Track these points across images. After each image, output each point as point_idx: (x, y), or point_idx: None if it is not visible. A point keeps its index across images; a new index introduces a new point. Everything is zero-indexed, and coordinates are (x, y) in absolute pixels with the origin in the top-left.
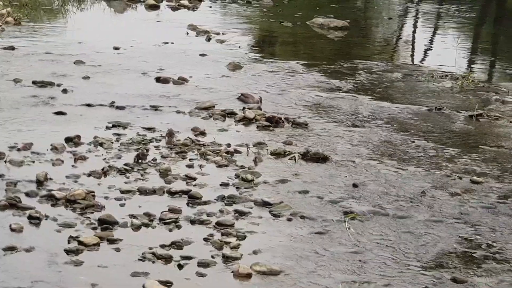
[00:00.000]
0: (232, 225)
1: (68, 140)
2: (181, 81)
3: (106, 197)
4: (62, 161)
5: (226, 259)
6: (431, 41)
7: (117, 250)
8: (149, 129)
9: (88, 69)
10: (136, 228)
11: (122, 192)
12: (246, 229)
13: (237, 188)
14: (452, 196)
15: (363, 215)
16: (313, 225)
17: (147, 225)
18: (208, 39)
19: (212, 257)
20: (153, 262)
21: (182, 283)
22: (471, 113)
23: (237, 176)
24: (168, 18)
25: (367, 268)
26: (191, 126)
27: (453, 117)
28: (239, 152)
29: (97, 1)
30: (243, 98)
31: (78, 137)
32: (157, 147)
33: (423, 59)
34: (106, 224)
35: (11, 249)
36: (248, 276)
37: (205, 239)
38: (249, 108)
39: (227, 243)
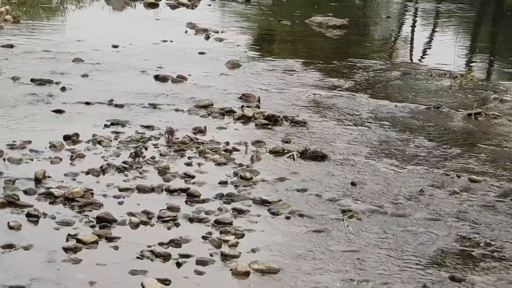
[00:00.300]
0: (230, 223)
1: (66, 138)
2: (180, 79)
3: (104, 195)
4: (61, 159)
5: (225, 257)
6: (429, 40)
7: (116, 248)
8: (147, 127)
9: (87, 67)
10: (135, 226)
11: (120, 190)
12: (244, 227)
13: (235, 186)
14: (451, 194)
15: (361, 213)
16: (312, 223)
17: (145, 223)
18: (207, 37)
19: (211, 255)
20: (152, 260)
21: (180, 281)
22: (470, 111)
23: (235, 174)
24: (167, 16)
25: (365, 267)
26: (189, 124)
27: (451, 116)
28: (237, 150)
29: None
30: (244, 98)
31: (77, 135)
32: (155, 145)
33: (421, 58)
34: (105, 222)
35: (9, 246)
36: (247, 274)
37: (204, 237)
38: (247, 106)
39: (226, 241)
